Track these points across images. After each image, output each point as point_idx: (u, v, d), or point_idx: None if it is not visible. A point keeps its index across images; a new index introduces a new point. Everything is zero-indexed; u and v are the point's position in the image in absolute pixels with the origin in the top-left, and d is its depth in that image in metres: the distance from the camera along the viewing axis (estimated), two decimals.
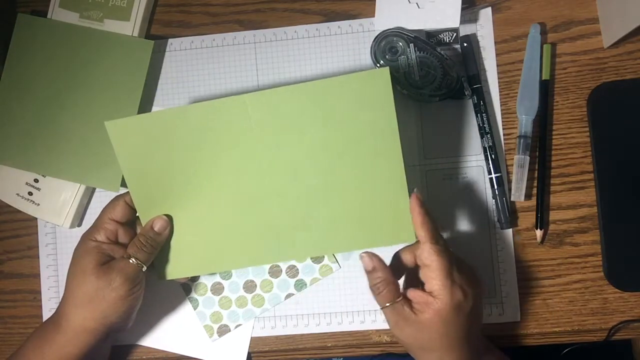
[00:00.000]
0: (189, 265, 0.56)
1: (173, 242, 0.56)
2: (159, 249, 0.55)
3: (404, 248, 0.53)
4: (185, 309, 0.61)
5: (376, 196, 0.53)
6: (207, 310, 0.61)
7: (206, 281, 0.61)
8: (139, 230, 0.56)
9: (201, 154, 0.54)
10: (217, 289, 0.61)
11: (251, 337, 0.61)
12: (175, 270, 0.56)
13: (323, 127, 0.53)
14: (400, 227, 0.53)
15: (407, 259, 0.52)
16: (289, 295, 0.60)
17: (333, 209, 0.54)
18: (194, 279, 0.61)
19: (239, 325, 0.60)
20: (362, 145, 0.53)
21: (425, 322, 0.48)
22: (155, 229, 0.54)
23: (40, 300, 0.63)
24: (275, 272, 0.60)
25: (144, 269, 0.53)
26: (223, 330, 0.61)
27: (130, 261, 0.53)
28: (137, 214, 0.56)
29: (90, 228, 0.56)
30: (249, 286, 0.61)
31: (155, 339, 0.61)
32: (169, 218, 0.55)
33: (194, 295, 0.61)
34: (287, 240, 0.55)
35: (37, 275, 0.63)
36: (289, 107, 0.52)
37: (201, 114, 0.53)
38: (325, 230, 0.54)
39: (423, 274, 0.50)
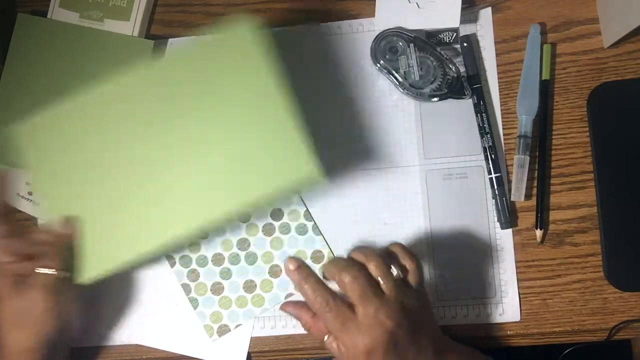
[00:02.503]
0: (108, 259, 0.54)
1: (86, 241, 0.54)
2: (71, 251, 0.53)
3: None
4: (185, 309, 0.61)
5: (272, 141, 0.54)
6: (207, 310, 0.61)
7: (206, 281, 0.61)
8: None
9: (96, 143, 0.54)
10: (217, 289, 0.61)
11: (251, 337, 0.61)
12: (93, 268, 0.54)
13: (206, 90, 0.54)
14: (299, 163, 0.53)
15: None
16: (288, 295, 0.60)
17: (233, 164, 0.54)
18: (194, 278, 0.61)
19: (239, 325, 0.60)
20: (247, 97, 0.54)
21: None
22: (62, 230, 0.53)
23: None
24: (275, 272, 0.60)
25: (64, 275, 0.51)
26: (223, 330, 0.61)
27: (45, 272, 0.50)
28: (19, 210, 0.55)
29: None
30: (249, 286, 0.61)
31: (156, 338, 0.61)
32: (76, 216, 0.54)
33: (194, 295, 0.61)
34: (200, 204, 0.54)
35: None
36: (170, 77, 0.54)
37: (87, 106, 0.55)
38: (231, 186, 0.54)
39: None
